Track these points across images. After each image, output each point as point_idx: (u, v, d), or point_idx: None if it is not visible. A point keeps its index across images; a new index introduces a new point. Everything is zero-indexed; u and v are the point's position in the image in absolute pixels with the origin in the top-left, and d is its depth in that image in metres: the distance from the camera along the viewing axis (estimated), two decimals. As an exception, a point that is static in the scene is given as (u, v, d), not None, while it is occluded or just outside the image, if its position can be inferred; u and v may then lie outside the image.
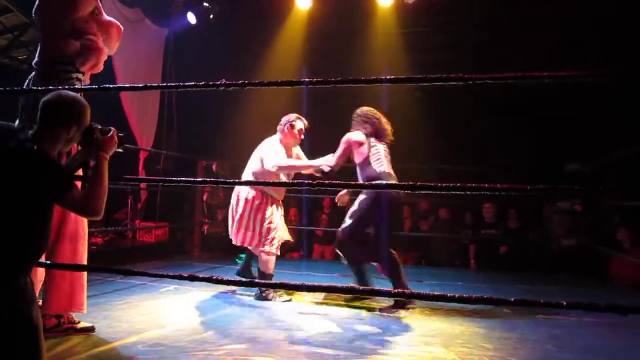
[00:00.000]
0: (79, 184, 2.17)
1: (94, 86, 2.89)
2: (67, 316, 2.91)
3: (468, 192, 1.98)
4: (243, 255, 5.95)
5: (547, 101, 6.95)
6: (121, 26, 3.18)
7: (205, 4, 7.64)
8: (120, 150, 2.18)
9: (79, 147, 2.21)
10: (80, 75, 2.96)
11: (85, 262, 2.97)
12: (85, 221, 2.98)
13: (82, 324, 2.95)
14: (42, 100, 2.00)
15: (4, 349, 1.74)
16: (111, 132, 2.14)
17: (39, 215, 1.88)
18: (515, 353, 2.85)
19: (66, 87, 2.55)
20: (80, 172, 2.18)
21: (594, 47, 6.69)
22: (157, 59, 7.62)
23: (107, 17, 3.12)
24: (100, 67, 3.09)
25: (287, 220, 7.99)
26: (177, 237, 7.34)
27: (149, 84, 2.79)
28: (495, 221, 6.96)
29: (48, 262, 2.70)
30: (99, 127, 2.13)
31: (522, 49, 7.12)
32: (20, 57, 8.11)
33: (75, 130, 2.00)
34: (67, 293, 2.86)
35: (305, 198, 7.37)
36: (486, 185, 1.87)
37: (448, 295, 1.85)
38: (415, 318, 3.63)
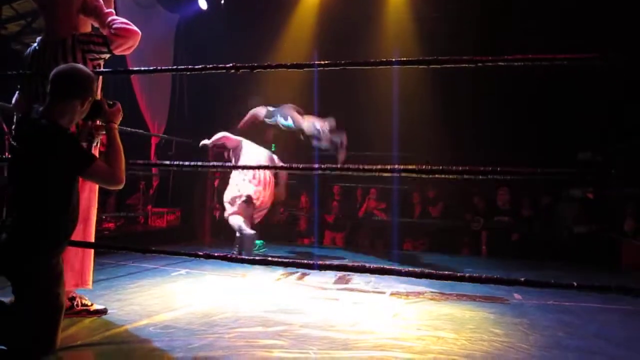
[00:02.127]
0: None
1: (108, 69, 2.91)
2: (80, 298, 2.95)
3: (480, 177, 1.97)
4: (259, 243, 5.97)
5: (559, 90, 6.86)
6: None
7: (216, -10, 7.62)
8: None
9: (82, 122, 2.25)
10: (106, 56, 2.88)
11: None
12: (95, 205, 3.02)
13: (95, 307, 2.98)
14: (53, 73, 1.98)
15: (30, 325, 1.77)
16: (117, 105, 2.24)
17: (63, 194, 1.88)
18: (526, 339, 2.84)
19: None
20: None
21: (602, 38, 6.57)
22: (169, 45, 7.61)
23: None
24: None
25: (298, 207, 8.05)
26: (189, 222, 7.38)
27: (160, 67, 2.78)
28: (509, 208, 6.92)
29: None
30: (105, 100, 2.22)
31: (533, 37, 7.00)
32: (32, 44, 8.13)
33: (89, 101, 2.02)
34: (79, 271, 2.92)
35: (316, 185, 7.38)
36: (498, 169, 1.87)
37: (458, 274, 1.85)
38: (425, 303, 3.63)
